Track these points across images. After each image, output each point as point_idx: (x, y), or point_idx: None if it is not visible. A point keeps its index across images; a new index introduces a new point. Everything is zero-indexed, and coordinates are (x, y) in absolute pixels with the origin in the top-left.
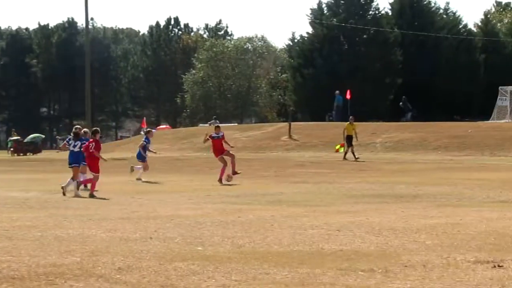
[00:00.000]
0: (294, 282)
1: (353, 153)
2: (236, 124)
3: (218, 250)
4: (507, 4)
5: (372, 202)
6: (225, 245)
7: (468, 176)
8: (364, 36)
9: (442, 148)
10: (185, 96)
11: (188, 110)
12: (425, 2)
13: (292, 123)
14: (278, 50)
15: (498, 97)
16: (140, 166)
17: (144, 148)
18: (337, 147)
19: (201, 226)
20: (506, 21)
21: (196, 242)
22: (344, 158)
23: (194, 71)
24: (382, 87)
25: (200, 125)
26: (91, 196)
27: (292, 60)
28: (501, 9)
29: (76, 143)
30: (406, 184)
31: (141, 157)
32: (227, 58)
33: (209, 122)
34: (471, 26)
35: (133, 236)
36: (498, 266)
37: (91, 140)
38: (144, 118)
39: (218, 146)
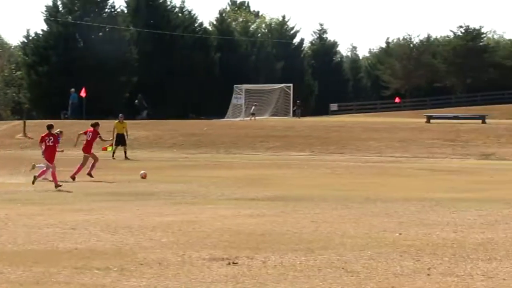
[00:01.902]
0: (28, 281)
1: (125, 152)
2: None
3: None
4: (242, 3)
5: (109, 200)
6: None
7: (204, 173)
8: (100, 34)
9: (178, 146)
10: None
11: None
12: (160, 1)
13: (27, 121)
14: (12, 47)
15: (233, 95)
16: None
17: None
18: (108, 147)
19: None
20: (241, 20)
21: None
22: (113, 157)
23: None
24: (118, 85)
25: None
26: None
27: (27, 58)
28: (236, 8)
29: None
30: (142, 182)
31: None
32: None
33: None
34: (206, 24)
35: None
36: (233, 263)
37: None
38: None
39: None
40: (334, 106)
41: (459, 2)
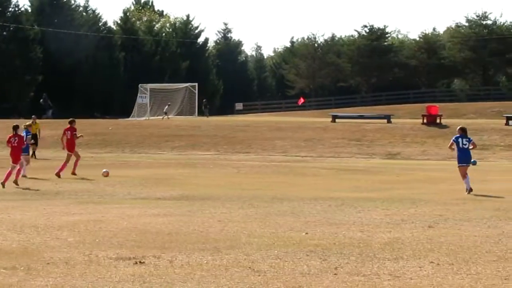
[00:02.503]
0: None
1: (34, 152)
2: None
3: None
4: (146, 3)
5: (14, 199)
6: None
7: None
8: (4, 33)
9: (83, 145)
10: None
11: None
12: (64, 0)
13: None
14: None
15: (138, 94)
16: None
17: None
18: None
19: None
20: (145, 19)
21: None
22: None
23: None
24: (22, 84)
25: None
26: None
27: None
28: (140, 8)
29: None
30: (47, 181)
31: None
32: None
33: None
34: (111, 24)
35: None
36: (140, 262)
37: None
38: None
39: None
40: (239, 106)
41: (363, 1)
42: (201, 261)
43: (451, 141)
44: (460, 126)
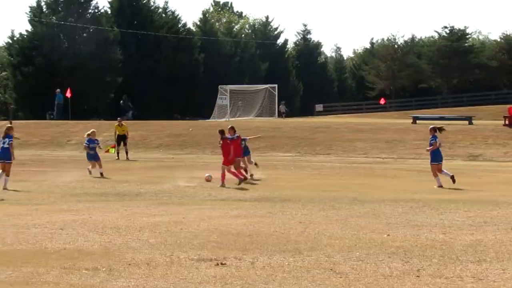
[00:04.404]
0: (18, 281)
1: (118, 152)
2: None
3: None
4: (225, 4)
5: (95, 200)
6: None
7: (190, 174)
8: (84, 34)
9: (164, 146)
10: None
11: None
12: (144, 1)
13: (13, 121)
14: None
15: (218, 96)
16: None
17: None
18: (110, 149)
19: None
20: (224, 20)
21: None
22: (117, 158)
23: None
24: (102, 85)
25: None
26: None
27: (12, 58)
28: (219, 9)
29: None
30: (128, 182)
31: None
32: None
33: None
34: (190, 25)
35: None
36: (221, 264)
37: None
38: None
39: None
40: (319, 107)
41: (443, 2)
42: (283, 262)
43: None
44: None
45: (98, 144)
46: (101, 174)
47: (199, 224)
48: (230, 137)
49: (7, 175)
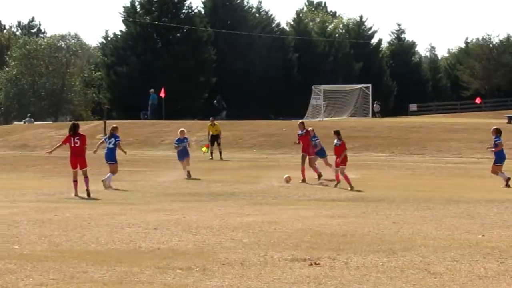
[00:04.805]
0: (112, 281)
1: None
2: (51, 122)
3: (35, 249)
4: (319, 4)
5: (189, 200)
6: (42, 243)
7: (284, 174)
8: (178, 34)
9: (258, 146)
10: None
11: (2, 108)
12: (238, 1)
13: (107, 121)
14: (91, 48)
15: (312, 95)
16: None
17: None
18: (203, 149)
19: (18, 224)
20: (318, 20)
21: (12, 240)
22: (211, 157)
23: (7, 69)
24: (196, 85)
25: (15, 123)
26: None
27: (106, 58)
28: (313, 9)
29: (111, 140)
30: (222, 182)
31: None
32: (41, 55)
33: (23, 120)
34: (284, 25)
35: None
36: (315, 264)
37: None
38: None
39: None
40: (413, 107)
41: None
42: (377, 262)
43: None
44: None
45: (187, 142)
46: (188, 173)
47: (293, 224)
48: (299, 132)
49: (114, 173)
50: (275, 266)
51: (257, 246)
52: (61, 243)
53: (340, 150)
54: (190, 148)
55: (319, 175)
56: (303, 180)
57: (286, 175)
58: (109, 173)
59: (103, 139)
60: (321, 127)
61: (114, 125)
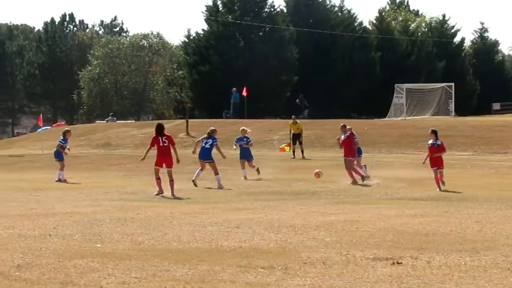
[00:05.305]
0: (194, 279)
1: (302, 151)
2: (133, 121)
3: (118, 247)
4: (401, 2)
5: (271, 199)
6: (124, 242)
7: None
8: (260, 33)
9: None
10: (82, 92)
11: (84, 107)
12: (320, 0)
13: (190, 120)
14: (174, 47)
15: (394, 94)
16: None
17: (62, 148)
18: (283, 145)
19: (100, 223)
20: (401, 19)
21: (95, 239)
22: (293, 156)
23: (90, 68)
24: (278, 84)
25: (97, 121)
26: None
27: (188, 57)
28: (396, 7)
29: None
30: (304, 181)
31: (59, 157)
32: (123, 54)
33: (106, 119)
34: (366, 23)
35: (31, 233)
36: (397, 263)
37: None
38: (41, 115)
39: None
40: (496, 105)
41: None
42: (459, 262)
43: None
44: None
45: (246, 142)
46: (245, 177)
47: (375, 223)
48: (342, 136)
49: (216, 173)
50: (357, 265)
51: (339, 245)
52: (143, 242)
53: (439, 150)
54: (252, 148)
55: (362, 177)
56: (362, 178)
57: (317, 170)
58: (216, 175)
59: (199, 139)
60: (403, 126)
61: (213, 128)
